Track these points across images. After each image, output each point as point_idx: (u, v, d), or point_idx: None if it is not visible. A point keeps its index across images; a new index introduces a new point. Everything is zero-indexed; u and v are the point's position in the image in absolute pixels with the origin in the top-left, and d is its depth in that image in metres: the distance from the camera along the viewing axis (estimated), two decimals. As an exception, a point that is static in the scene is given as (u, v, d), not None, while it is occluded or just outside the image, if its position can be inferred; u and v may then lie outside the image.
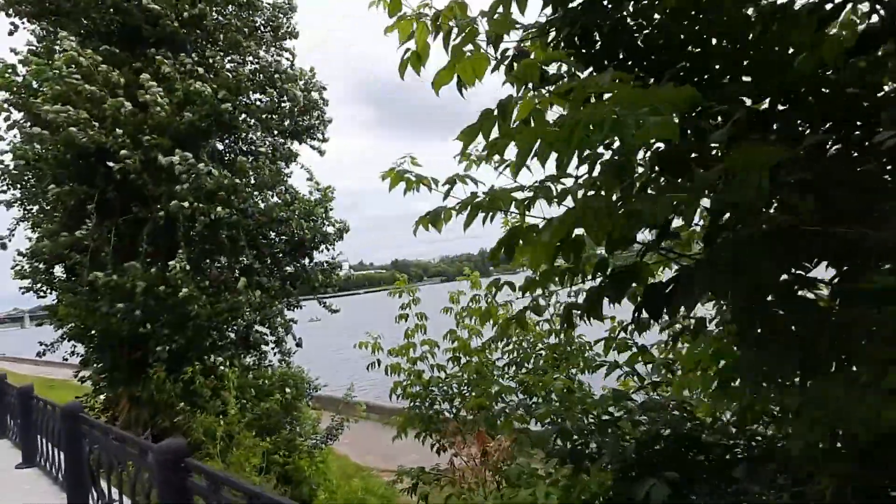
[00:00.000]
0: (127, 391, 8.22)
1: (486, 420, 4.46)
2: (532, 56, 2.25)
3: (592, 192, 1.98)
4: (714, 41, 1.97)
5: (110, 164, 7.73)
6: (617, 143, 1.79)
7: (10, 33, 8.96)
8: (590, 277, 2.28)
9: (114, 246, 7.84)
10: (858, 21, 2.00)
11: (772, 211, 1.77)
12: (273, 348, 9.13)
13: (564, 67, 2.30)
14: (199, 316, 7.55)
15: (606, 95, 1.70)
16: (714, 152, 1.85)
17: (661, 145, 1.87)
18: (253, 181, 8.59)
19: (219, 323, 8.12)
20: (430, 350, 5.27)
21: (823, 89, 1.82)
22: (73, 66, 7.51)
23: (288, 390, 9.56)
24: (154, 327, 7.61)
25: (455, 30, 2.25)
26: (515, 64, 2.17)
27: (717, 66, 1.99)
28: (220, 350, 8.32)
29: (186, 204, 7.44)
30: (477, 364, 4.94)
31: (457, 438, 4.80)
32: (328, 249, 9.22)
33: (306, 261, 9.57)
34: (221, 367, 7.69)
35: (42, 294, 9.08)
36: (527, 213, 2.02)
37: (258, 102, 9.44)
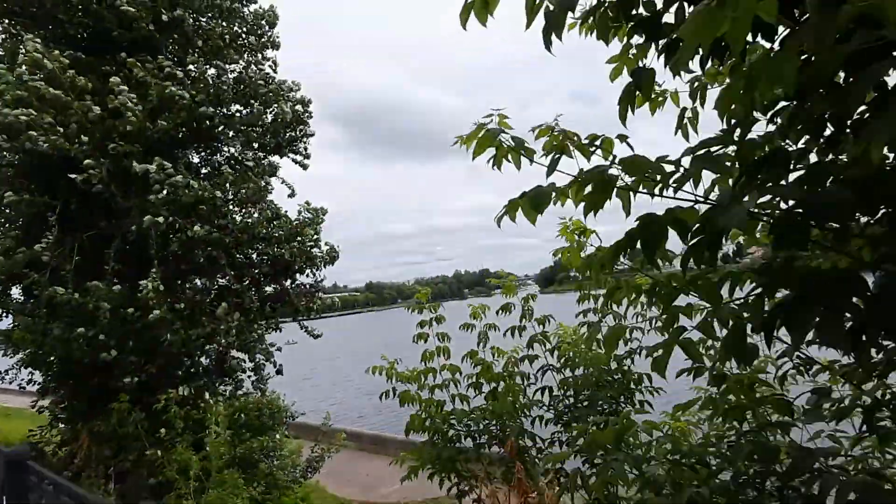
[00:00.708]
0: (87, 425, 7.46)
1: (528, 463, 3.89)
2: None
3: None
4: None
5: (74, 176, 7.09)
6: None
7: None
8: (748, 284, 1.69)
9: (76, 264, 7.14)
10: None
11: None
12: (250, 375, 8.45)
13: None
14: (173, 344, 6.88)
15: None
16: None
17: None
18: (232, 195, 7.99)
19: (193, 350, 7.47)
20: (454, 378, 4.56)
21: None
22: (38, 69, 6.92)
23: (265, 419, 8.91)
24: (120, 354, 6.90)
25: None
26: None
27: None
28: (194, 379, 7.64)
29: (161, 219, 6.82)
30: (505, 391, 4.33)
31: (484, 484, 4.21)
32: (313, 274, 8.64)
33: (288, 282, 8.97)
34: (204, 398, 7.00)
35: (-2, 317, 8.31)
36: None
37: (238, 114, 8.91)
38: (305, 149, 10.15)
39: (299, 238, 8.18)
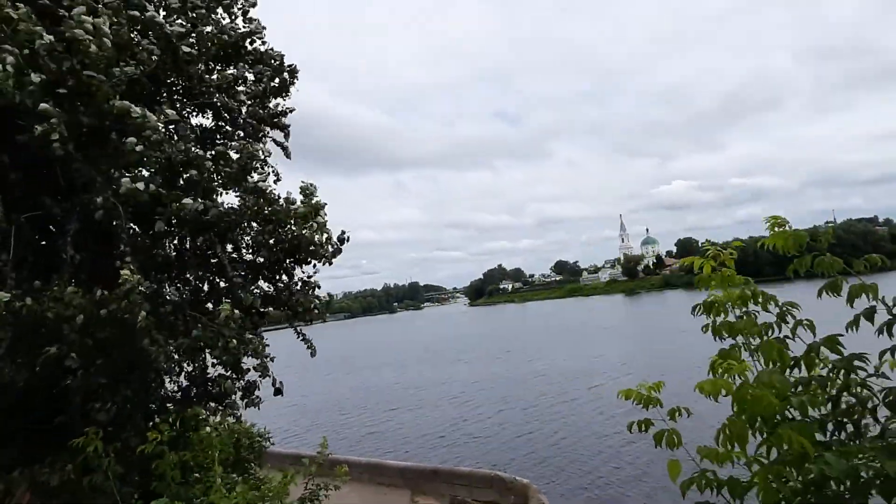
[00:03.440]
0: (28, 475, 5.39)
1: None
2: None
3: None
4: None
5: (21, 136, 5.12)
6: None
7: None
8: None
9: (15, 256, 5.16)
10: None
11: None
12: (242, 396, 6.56)
13: None
14: (157, 358, 4.99)
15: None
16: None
17: None
18: (223, 163, 6.17)
19: (177, 366, 5.63)
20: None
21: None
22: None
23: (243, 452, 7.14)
24: (87, 375, 4.90)
25: None
26: None
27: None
28: (177, 404, 5.78)
29: (142, 185, 4.98)
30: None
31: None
32: (322, 263, 6.87)
33: (285, 278, 7.23)
34: (205, 428, 5.13)
35: None
36: None
37: (219, 69, 7.16)
38: (287, 128, 8.46)
39: (311, 222, 6.49)
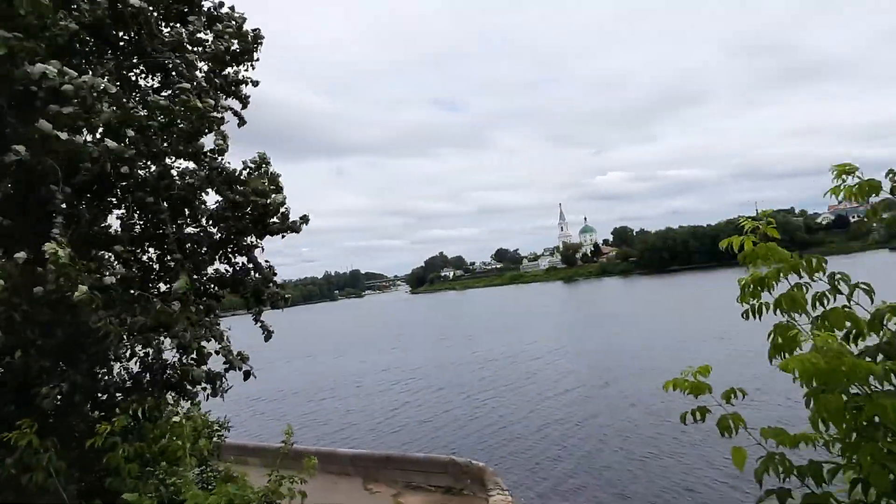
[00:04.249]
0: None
1: None
2: None
3: None
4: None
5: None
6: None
7: None
8: None
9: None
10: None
11: None
12: (205, 387, 6.01)
13: None
14: (108, 334, 4.42)
15: None
16: None
17: None
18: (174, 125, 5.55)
19: (132, 347, 5.06)
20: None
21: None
22: None
23: (202, 442, 6.63)
24: (26, 357, 4.27)
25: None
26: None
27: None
28: (130, 392, 5.21)
29: (65, 136, 4.34)
30: None
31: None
32: (290, 232, 6.36)
33: (244, 259, 6.71)
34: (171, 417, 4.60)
35: None
36: None
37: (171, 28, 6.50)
38: (247, 99, 7.85)
39: (272, 194, 6.01)
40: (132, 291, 5.30)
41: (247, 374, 6.05)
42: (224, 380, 5.91)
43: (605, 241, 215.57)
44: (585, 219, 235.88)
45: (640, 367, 34.09)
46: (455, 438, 24.45)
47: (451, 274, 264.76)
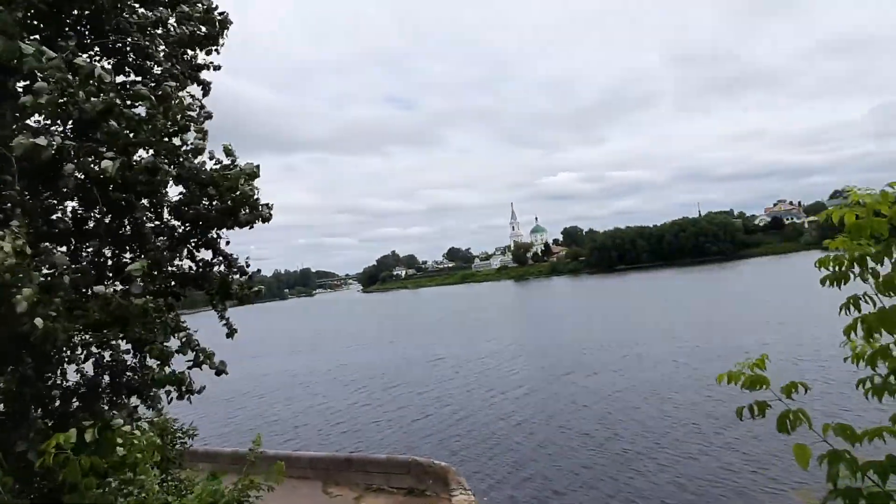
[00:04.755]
0: None
1: None
2: None
3: None
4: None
5: None
6: None
7: None
8: None
9: None
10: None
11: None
12: (170, 391, 5.57)
13: None
14: (51, 334, 3.98)
15: None
16: None
17: None
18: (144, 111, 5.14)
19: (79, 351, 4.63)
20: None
21: None
22: None
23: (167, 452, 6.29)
24: None
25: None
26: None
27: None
28: (85, 399, 4.78)
29: (43, 141, 3.92)
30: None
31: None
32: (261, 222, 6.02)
33: (208, 254, 6.32)
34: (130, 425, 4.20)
35: None
36: None
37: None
38: (208, 86, 7.39)
39: (245, 186, 5.66)
40: (84, 289, 4.86)
41: (219, 371, 5.67)
42: (191, 380, 5.52)
43: (556, 241, 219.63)
44: (536, 218, 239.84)
45: (591, 363, 34.82)
46: (411, 438, 24.27)
47: (404, 272, 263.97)
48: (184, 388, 5.39)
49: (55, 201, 5.45)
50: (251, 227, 5.87)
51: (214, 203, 5.54)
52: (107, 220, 5.31)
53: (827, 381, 22.63)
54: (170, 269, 6.11)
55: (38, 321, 3.94)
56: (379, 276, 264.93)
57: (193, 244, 5.92)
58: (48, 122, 4.87)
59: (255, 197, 5.71)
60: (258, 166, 5.84)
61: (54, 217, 5.09)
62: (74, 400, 4.84)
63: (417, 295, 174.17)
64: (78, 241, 5.75)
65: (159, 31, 6.21)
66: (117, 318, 4.75)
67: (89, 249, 5.75)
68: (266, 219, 5.87)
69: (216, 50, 7.01)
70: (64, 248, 5.46)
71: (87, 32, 5.61)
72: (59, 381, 4.81)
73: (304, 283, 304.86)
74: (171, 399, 5.46)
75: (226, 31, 7.05)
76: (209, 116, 6.13)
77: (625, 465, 18.32)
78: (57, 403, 4.74)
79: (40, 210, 4.81)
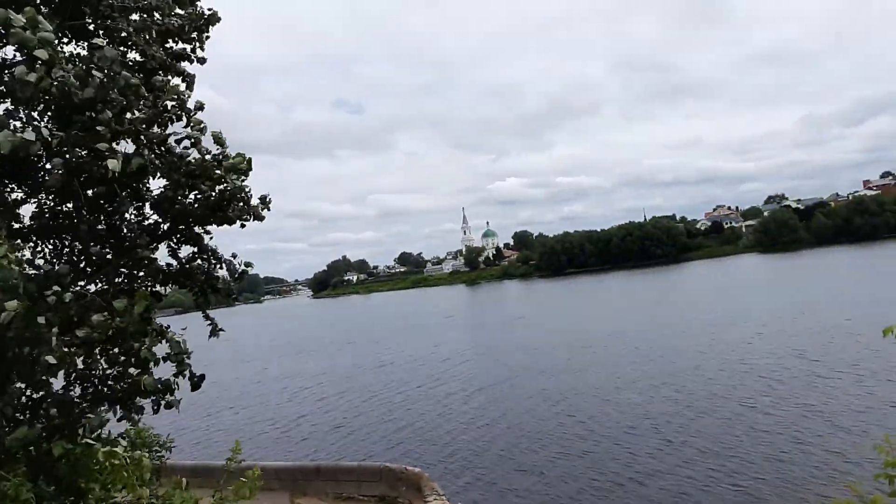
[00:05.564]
0: None
1: None
2: None
3: None
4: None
5: None
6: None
7: None
8: None
9: None
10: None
11: None
12: (153, 399, 5.15)
13: None
14: (40, 363, 3.59)
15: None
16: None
17: None
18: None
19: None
20: None
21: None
22: None
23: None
24: None
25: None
26: None
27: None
28: (62, 409, 4.35)
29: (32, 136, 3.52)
30: None
31: None
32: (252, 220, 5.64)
33: (192, 249, 5.94)
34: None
35: None
36: None
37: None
38: (192, 79, 6.96)
39: (234, 177, 5.32)
40: (75, 287, 4.45)
41: (196, 384, 5.30)
42: (176, 387, 5.14)
43: (507, 245, 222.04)
44: (488, 223, 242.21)
45: (544, 364, 35.28)
46: (369, 443, 23.88)
47: (355, 278, 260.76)
48: (168, 398, 5.01)
49: (22, 195, 5.02)
50: (243, 226, 5.52)
51: (199, 197, 5.18)
52: (85, 215, 4.89)
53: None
54: (151, 267, 5.71)
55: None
56: (330, 282, 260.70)
57: (175, 240, 5.54)
58: (22, 107, 4.45)
59: (247, 191, 5.38)
60: (250, 159, 5.52)
61: (20, 211, 4.67)
62: (53, 410, 4.40)
63: (369, 300, 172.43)
64: (55, 237, 5.33)
65: (136, 18, 5.82)
66: (114, 335, 4.42)
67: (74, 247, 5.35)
68: (259, 217, 5.53)
69: (201, 46, 6.61)
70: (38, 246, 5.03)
71: (64, 14, 5.17)
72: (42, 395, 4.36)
73: (251, 289, 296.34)
74: (158, 408, 5.07)
75: (212, 26, 6.68)
76: (200, 107, 5.75)
77: (589, 463, 18.58)
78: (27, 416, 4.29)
79: (8, 204, 4.38)
